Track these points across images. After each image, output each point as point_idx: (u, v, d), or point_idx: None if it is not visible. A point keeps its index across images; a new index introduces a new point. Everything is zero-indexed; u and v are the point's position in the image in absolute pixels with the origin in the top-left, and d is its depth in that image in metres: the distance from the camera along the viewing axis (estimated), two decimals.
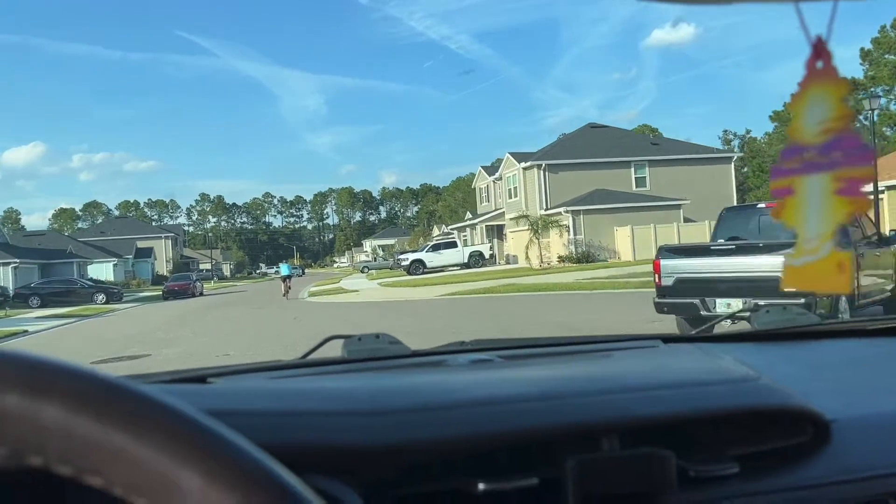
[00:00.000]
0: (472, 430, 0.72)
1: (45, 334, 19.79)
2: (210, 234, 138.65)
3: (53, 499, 0.56)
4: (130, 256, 64.81)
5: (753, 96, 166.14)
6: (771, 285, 7.19)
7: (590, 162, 37.74)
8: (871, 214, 13.35)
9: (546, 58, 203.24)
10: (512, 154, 40.89)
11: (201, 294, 40.06)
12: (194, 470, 0.38)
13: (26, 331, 20.55)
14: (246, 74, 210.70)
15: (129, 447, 0.38)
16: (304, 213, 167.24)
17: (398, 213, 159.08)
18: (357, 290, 30.08)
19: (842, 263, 0.53)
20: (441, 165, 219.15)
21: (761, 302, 7.64)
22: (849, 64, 55.91)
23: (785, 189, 0.57)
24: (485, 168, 49.75)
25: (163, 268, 70.59)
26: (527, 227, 34.58)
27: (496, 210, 44.45)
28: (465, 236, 47.64)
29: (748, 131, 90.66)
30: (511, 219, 39.16)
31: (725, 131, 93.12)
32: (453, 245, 41.46)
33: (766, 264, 7.45)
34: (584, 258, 33.93)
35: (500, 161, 47.27)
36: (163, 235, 77.88)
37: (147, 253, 68.81)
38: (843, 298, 7.63)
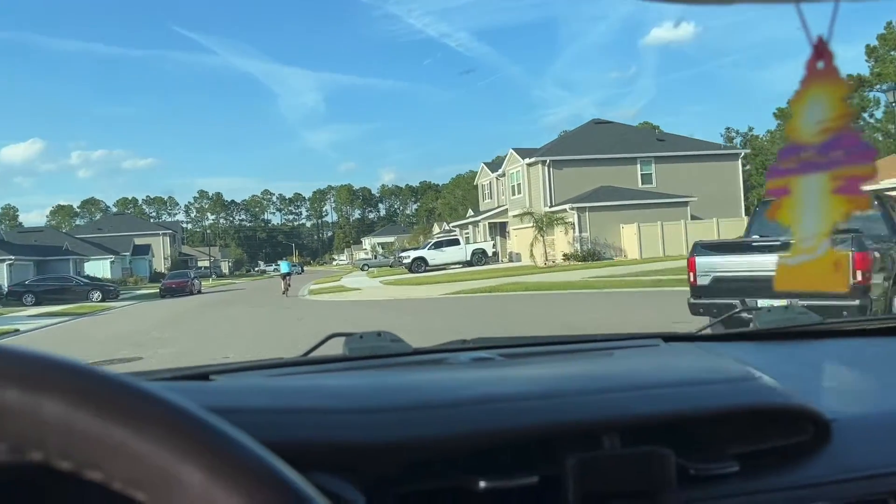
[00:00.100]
0: (474, 428, 0.73)
1: (37, 333, 19.23)
2: (208, 232, 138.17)
3: (53, 493, 0.56)
4: (128, 253, 64.13)
5: (755, 94, 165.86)
6: None
7: (595, 158, 37.09)
8: None
9: (545, 56, 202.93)
10: (515, 150, 40.23)
11: (199, 292, 39.50)
12: (195, 465, 0.38)
13: (18, 330, 19.95)
14: (245, 72, 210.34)
15: (129, 442, 0.38)
16: (303, 210, 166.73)
17: (397, 211, 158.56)
18: (359, 289, 29.50)
19: (839, 262, 0.53)
20: (440, 163, 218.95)
21: (807, 303, 7.04)
22: (854, 62, 55.41)
23: (782, 188, 0.56)
24: (487, 164, 49.09)
25: (161, 265, 69.95)
26: (531, 225, 33.92)
27: (499, 207, 43.79)
28: (467, 233, 46.97)
29: (751, 129, 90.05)
30: (514, 216, 38.52)
31: (728, 129, 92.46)
32: (456, 242, 40.76)
33: None
34: (589, 256, 33.30)
35: (500, 158, 46.69)
36: (161, 232, 77.27)
37: (145, 250, 68.16)
38: None
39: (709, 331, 1.70)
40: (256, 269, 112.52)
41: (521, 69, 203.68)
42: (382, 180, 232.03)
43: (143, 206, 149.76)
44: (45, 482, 0.53)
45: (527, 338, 1.73)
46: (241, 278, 78.74)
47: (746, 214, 37.05)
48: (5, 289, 37.52)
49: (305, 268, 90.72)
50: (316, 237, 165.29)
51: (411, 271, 38.02)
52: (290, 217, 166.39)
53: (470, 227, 47.94)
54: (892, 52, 54.35)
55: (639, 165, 38.00)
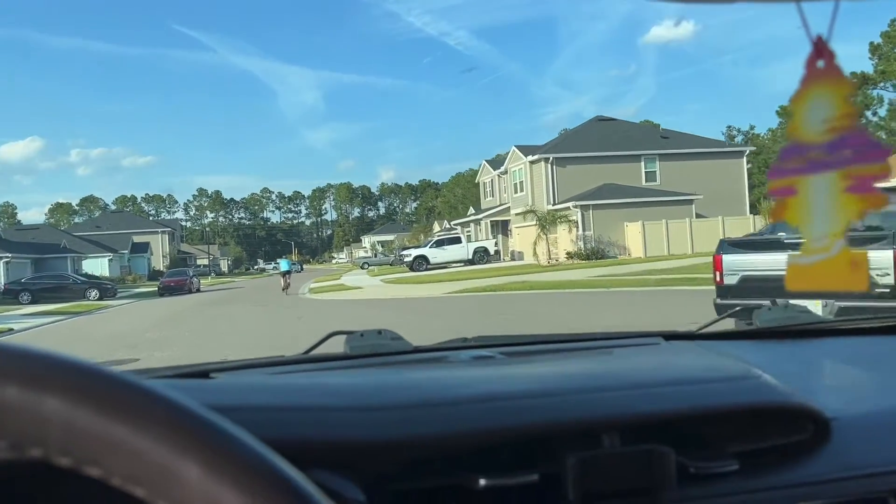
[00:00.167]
0: (474, 426, 0.73)
1: (30, 333, 18.80)
2: (208, 230, 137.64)
3: (51, 488, 0.56)
4: (126, 251, 63.64)
5: (755, 92, 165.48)
6: None
7: (598, 156, 36.67)
8: None
9: (544, 54, 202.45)
10: (518, 147, 39.78)
11: (198, 290, 39.04)
12: (195, 461, 0.38)
13: (11, 329, 19.52)
14: (244, 70, 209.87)
15: (129, 439, 0.38)
16: (302, 208, 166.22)
17: (397, 209, 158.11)
18: (360, 287, 29.09)
19: (857, 261, 0.53)
20: (439, 162, 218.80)
21: (845, 303, 6.62)
22: (858, 60, 54.97)
23: (786, 188, 0.56)
24: (489, 162, 48.63)
25: (159, 263, 69.47)
26: (534, 223, 33.48)
27: (501, 205, 43.35)
28: (468, 232, 46.49)
29: (752, 127, 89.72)
30: (517, 214, 38.11)
31: (729, 127, 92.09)
32: (457, 241, 40.26)
33: None
34: (593, 254, 32.89)
35: (501, 156, 46.24)
36: (159, 230, 76.77)
37: (143, 248, 67.72)
38: None
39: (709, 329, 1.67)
40: (255, 267, 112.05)
41: (520, 67, 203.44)
42: (382, 178, 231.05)
43: (142, 204, 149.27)
44: (44, 478, 0.53)
45: (527, 336, 1.71)
46: (240, 276, 78.38)
47: (751, 212, 36.66)
48: (1, 287, 36.99)
49: (305, 266, 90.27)
50: (315, 235, 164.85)
51: (412, 270, 37.55)
52: (290, 215, 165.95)
53: (471, 225, 47.48)
54: None
55: (643, 163, 37.56)
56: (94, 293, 35.17)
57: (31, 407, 0.38)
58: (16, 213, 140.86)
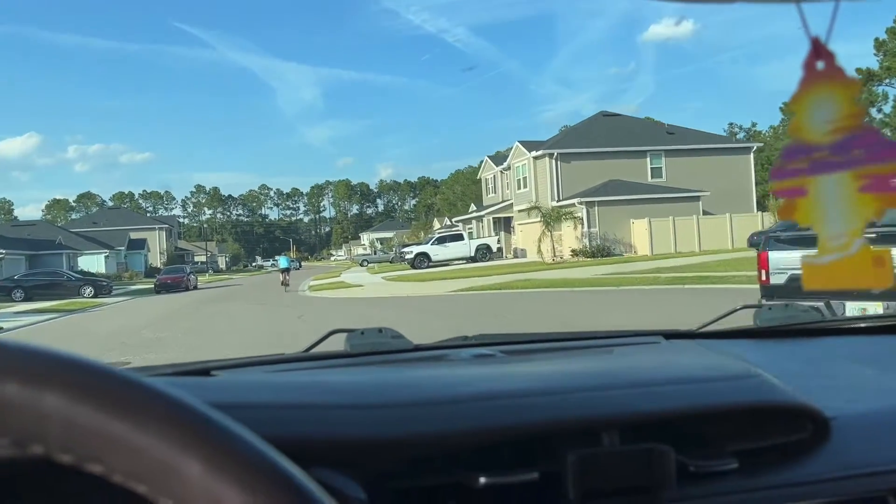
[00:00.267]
0: (474, 425, 0.73)
1: (19, 332, 18.23)
2: (205, 227, 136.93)
3: (52, 485, 0.57)
4: (123, 248, 62.95)
5: (755, 90, 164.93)
6: None
7: (603, 151, 35.98)
8: None
9: (543, 52, 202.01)
10: (521, 143, 39.12)
11: (195, 287, 38.42)
12: (196, 458, 0.38)
13: (1, 328, 18.84)
14: (242, 66, 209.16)
15: (130, 436, 0.38)
16: (301, 205, 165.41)
17: (396, 207, 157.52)
18: (361, 285, 28.47)
19: (880, 258, 0.53)
20: (438, 159, 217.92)
21: None
22: (864, 57, 54.41)
23: (794, 189, 0.56)
24: (491, 158, 47.93)
25: (157, 260, 68.75)
26: (538, 219, 32.82)
27: (503, 202, 42.68)
28: (470, 228, 45.78)
29: (754, 124, 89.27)
30: (520, 210, 37.43)
31: (731, 124, 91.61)
32: (459, 238, 39.52)
33: None
34: (598, 252, 32.22)
35: (501, 154, 45.62)
36: (157, 227, 75.95)
37: (140, 244, 66.96)
38: None
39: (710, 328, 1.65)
40: (254, 264, 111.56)
41: (519, 65, 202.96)
42: (380, 175, 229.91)
43: (140, 201, 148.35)
44: (45, 475, 0.53)
45: (528, 334, 1.71)
46: (238, 273, 77.77)
47: (759, 209, 36.06)
48: None
49: (303, 263, 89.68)
50: (313, 232, 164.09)
51: (414, 267, 36.85)
52: (288, 212, 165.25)
53: (473, 221, 46.79)
54: None
55: (648, 159, 36.89)
56: (88, 290, 34.47)
57: (32, 404, 0.38)
58: (12, 210, 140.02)
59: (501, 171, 43.77)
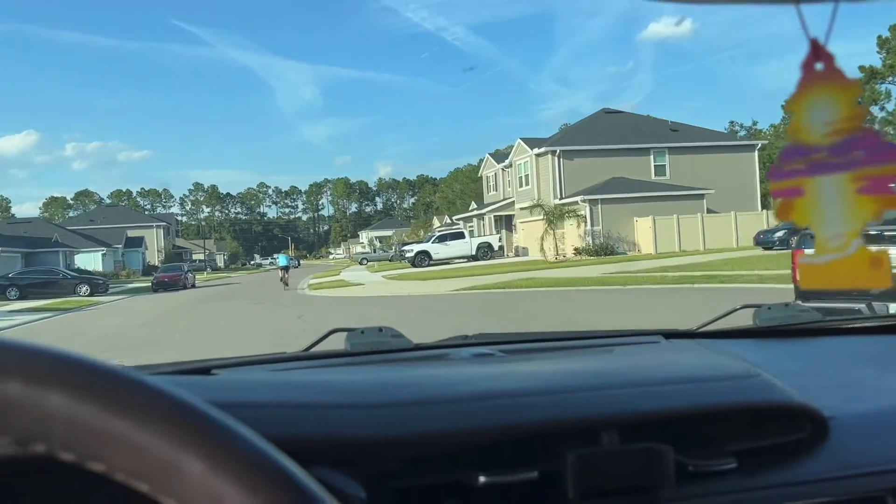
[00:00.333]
0: (474, 424, 0.74)
1: (14, 331, 17.76)
2: (204, 225, 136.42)
3: (53, 483, 0.58)
4: (120, 246, 62.45)
5: (756, 88, 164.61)
6: None
7: (606, 149, 35.56)
8: None
9: (542, 50, 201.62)
10: (523, 140, 38.66)
11: (193, 286, 37.91)
12: (197, 457, 0.38)
13: None
14: (242, 65, 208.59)
15: (132, 434, 0.38)
16: (299, 203, 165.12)
17: (394, 205, 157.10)
18: (362, 284, 28.03)
19: (877, 259, 0.53)
20: (437, 157, 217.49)
21: None
22: (867, 56, 54.02)
23: (792, 189, 0.56)
24: (492, 155, 47.47)
25: (154, 258, 68.27)
26: (540, 217, 32.37)
27: (505, 199, 42.23)
28: (471, 227, 45.31)
29: (755, 122, 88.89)
30: (522, 208, 36.98)
31: (732, 122, 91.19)
32: (460, 236, 39.06)
33: None
34: (601, 250, 31.81)
35: (500, 152, 45.14)
36: (154, 224, 75.45)
37: (138, 242, 66.45)
38: None
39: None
40: (252, 262, 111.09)
41: (518, 63, 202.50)
42: (379, 174, 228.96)
43: (138, 199, 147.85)
44: (47, 472, 0.53)
45: (528, 334, 1.70)
46: (236, 272, 77.24)
47: (763, 208, 35.67)
48: None
49: (302, 261, 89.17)
50: (312, 231, 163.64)
51: (414, 266, 36.42)
52: (287, 210, 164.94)
53: (474, 219, 46.34)
54: None
55: (652, 156, 36.48)
56: (84, 289, 33.89)
57: (35, 403, 0.38)
58: (10, 207, 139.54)
59: (503, 169, 43.32)
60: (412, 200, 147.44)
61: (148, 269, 59.29)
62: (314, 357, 1.37)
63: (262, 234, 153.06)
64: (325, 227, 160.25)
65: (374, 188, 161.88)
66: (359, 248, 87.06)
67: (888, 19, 53.63)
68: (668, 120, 40.68)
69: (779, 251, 23.73)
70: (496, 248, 38.34)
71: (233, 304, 21.88)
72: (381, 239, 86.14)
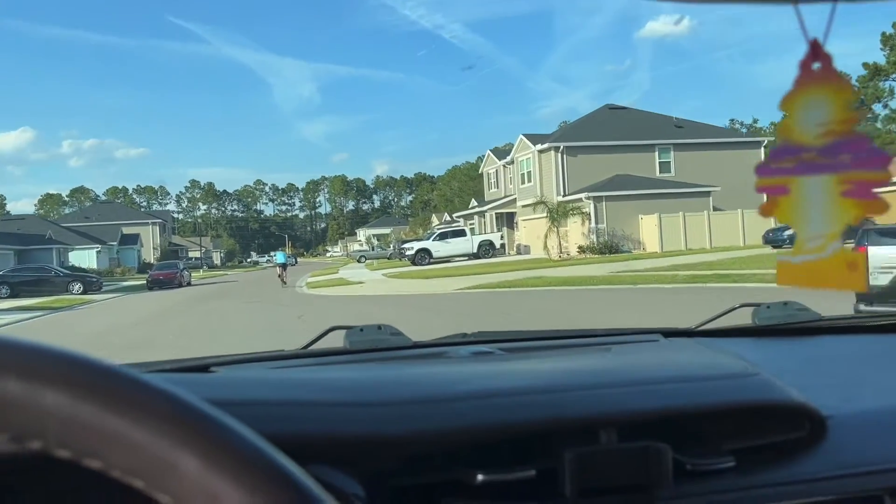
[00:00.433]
0: (473, 423, 0.74)
1: (1, 331, 16.94)
2: (200, 222, 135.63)
3: (49, 480, 0.58)
4: (115, 243, 61.62)
5: (754, 86, 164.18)
6: None
7: (610, 145, 34.94)
8: None
9: (540, 48, 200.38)
10: (526, 136, 37.98)
11: (189, 284, 37.20)
12: (192, 454, 0.38)
13: None
14: (238, 62, 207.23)
15: (128, 432, 0.38)
16: (297, 201, 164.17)
17: (392, 203, 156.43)
18: (362, 283, 27.37)
19: (854, 262, 0.54)
20: (434, 154, 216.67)
21: None
22: (870, 53, 53.53)
23: (777, 187, 0.57)
24: (493, 152, 46.78)
25: (150, 255, 67.52)
26: (543, 215, 31.72)
27: (506, 197, 41.56)
28: (471, 224, 44.66)
29: (755, 120, 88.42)
30: (524, 206, 36.34)
31: (732, 120, 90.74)
32: (462, 233, 38.36)
33: None
34: (606, 248, 31.17)
35: (499, 149, 44.48)
36: (150, 222, 74.71)
37: (133, 239, 65.64)
38: None
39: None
40: (249, 260, 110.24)
41: (515, 62, 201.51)
42: (376, 171, 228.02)
43: (134, 196, 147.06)
44: (44, 469, 0.53)
45: (526, 332, 1.70)
46: (233, 269, 76.45)
47: None
48: None
49: (299, 259, 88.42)
50: (309, 228, 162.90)
51: (414, 263, 35.72)
52: (283, 208, 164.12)
53: (475, 217, 45.67)
54: None
55: (656, 153, 35.84)
56: (77, 287, 33.12)
57: (32, 400, 0.38)
58: (5, 204, 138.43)
59: (504, 165, 42.62)
60: (410, 198, 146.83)
61: (143, 267, 58.51)
62: (313, 355, 1.36)
63: (258, 232, 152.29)
64: (323, 225, 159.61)
65: (372, 186, 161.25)
66: (356, 246, 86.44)
67: (892, 16, 53.13)
68: (672, 116, 40.03)
69: (788, 250, 23.13)
70: (498, 246, 37.70)
71: (229, 302, 21.24)
72: (378, 237, 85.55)
